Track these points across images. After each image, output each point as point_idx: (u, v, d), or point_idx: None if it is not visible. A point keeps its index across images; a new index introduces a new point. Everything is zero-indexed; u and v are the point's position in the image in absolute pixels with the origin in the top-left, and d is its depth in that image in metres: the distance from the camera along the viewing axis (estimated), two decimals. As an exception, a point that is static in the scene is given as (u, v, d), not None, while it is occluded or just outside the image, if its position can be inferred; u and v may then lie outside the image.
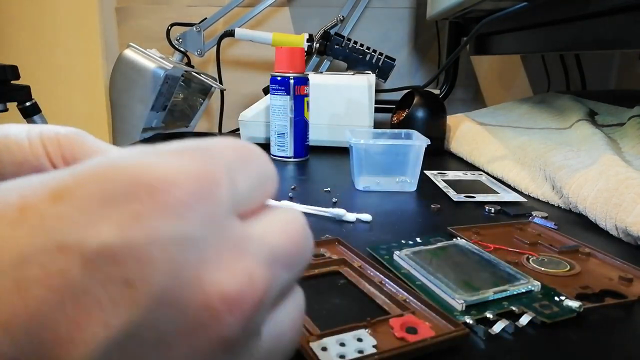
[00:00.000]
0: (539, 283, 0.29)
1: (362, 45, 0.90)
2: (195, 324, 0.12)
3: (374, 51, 0.89)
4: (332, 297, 0.28)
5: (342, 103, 0.72)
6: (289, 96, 0.64)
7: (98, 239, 0.11)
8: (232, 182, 0.14)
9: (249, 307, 0.13)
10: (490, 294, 0.27)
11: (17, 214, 0.11)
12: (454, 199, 0.48)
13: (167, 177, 0.12)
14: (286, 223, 0.16)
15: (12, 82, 0.80)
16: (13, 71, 0.79)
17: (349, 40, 0.90)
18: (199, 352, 0.12)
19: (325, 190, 0.51)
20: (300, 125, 0.66)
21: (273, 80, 0.65)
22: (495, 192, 0.51)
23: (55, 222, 0.11)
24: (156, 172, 0.12)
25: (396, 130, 0.57)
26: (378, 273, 0.30)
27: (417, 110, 0.70)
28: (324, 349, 0.22)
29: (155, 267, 0.11)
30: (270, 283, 0.14)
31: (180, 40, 0.95)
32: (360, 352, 0.22)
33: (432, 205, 0.46)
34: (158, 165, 0.12)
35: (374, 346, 0.22)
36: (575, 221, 0.43)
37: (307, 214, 0.43)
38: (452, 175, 0.58)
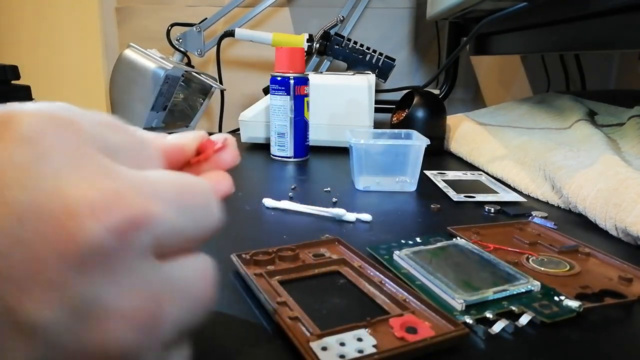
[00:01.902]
0: (539, 283, 0.29)
1: (362, 45, 0.90)
2: (60, 231, 0.13)
3: (374, 51, 0.89)
4: (332, 297, 0.28)
5: (342, 103, 0.72)
6: (289, 96, 0.64)
7: None
8: (98, 133, 0.15)
9: (118, 220, 0.13)
10: (490, 293, 0.27)
11: None
12: (454, 199, 0.48)
13: (18, 115, 0.14)
14: (183, 175, 0.16)
15: (13, 82, 0.80)
16: (13, 71, 0.78)
17: (349, 40, 0.90)
18: (71, 263, 0.13)
19: (325, 190, 0.51)
20: (300, 125, 0.66)
21: (273, 80, 0.65)
22: (495, 192, 0.51)
23: None
24: (9, 113, 0.14)
25: (396, 130, 0.57)
26: (378, 273, 0.30)
27: (417, 110, 0.70)
28: (324, 348, 0.22)
29: (10, 186, 0.13)
30: (152, 213, 0.14)
31: (181, 40, 0.95)
32: (360, 351, 0.22)
33: (432, 205, 0.46)
34: (13, 110, 0.14)
35: (374, 346, 0.22)
36: (575, 221, 0.43)
37: (307, 214, 0.44)
38: (452, 175, 0.58)
